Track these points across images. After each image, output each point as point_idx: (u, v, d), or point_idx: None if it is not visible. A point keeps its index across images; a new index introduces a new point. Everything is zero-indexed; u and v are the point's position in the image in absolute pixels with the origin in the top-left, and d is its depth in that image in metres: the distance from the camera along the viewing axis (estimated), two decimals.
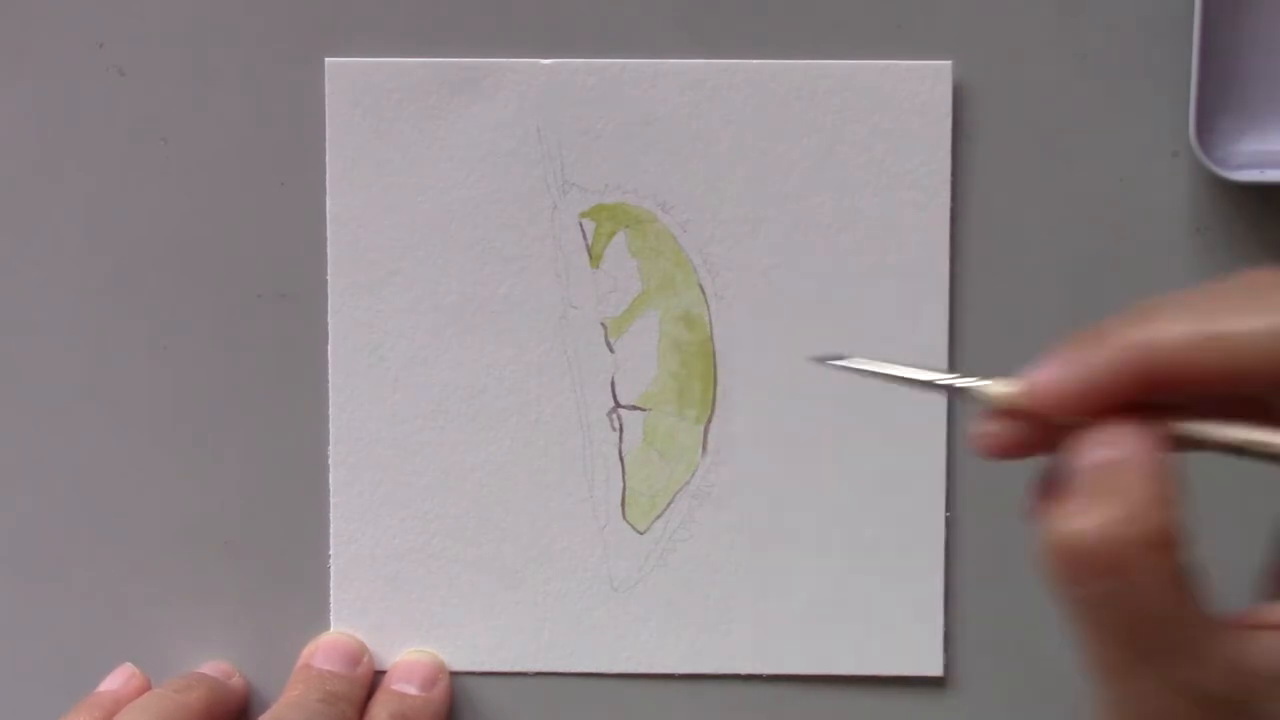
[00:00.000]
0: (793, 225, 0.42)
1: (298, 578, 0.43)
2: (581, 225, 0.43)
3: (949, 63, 0.42)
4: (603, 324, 0.43)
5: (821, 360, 0.35)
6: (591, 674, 0.43)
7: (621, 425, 0.43)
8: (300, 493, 0.43)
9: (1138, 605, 0.30)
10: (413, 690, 0.42)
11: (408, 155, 0.42)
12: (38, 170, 0.43)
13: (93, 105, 0.43)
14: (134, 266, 0.43)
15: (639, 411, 0.43)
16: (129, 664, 0.43)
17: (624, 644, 0.43)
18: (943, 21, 0.42)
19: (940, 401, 0.42)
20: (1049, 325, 0.42)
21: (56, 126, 0.43)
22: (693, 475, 0.43)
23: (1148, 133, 0.42)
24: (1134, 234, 0.42)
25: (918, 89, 0.42)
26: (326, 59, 0.42)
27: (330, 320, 0.43)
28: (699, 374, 0.43)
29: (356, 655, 0.43)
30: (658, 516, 0.43)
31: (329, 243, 0.43)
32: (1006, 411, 0.32)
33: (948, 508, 0.42)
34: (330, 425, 0.43)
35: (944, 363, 0.42)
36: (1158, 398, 0.31)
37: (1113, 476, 0.31)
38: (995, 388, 0.32)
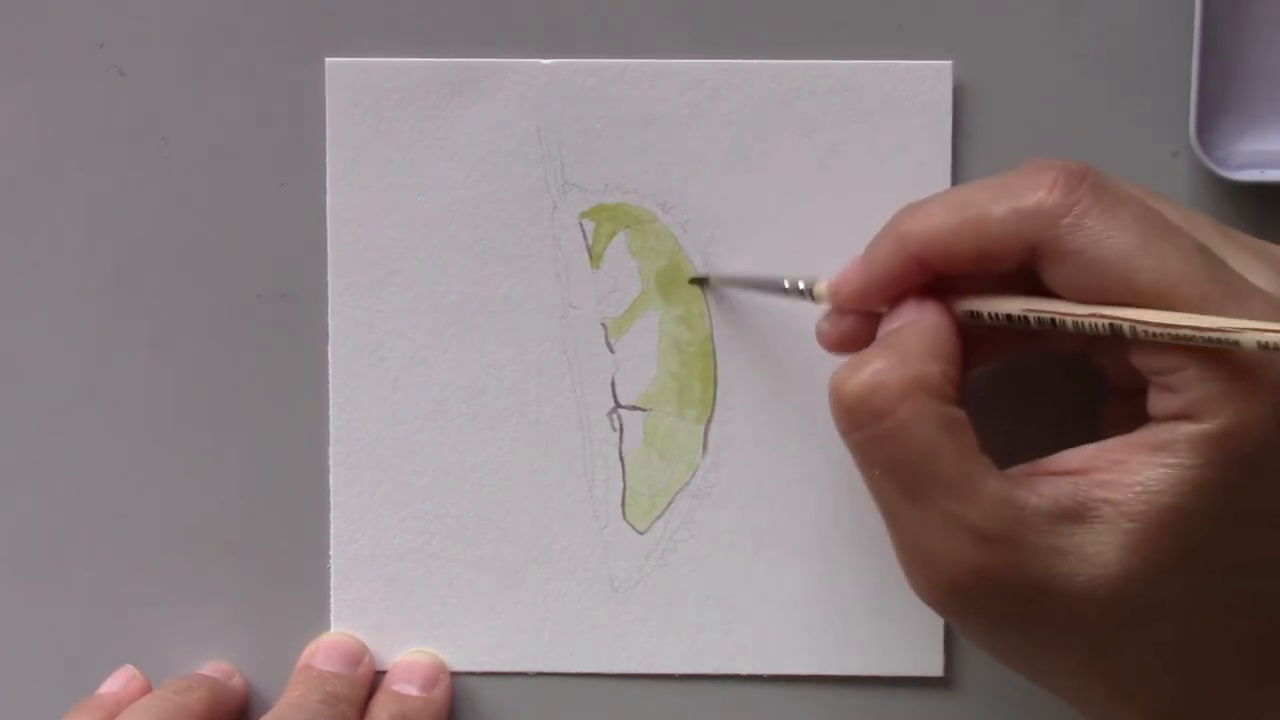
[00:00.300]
0: (793, 225, 0.42)
1: (298, 578, 0.43)
2: (581, 225, 0.43)
3: (949, 63, 0.42)
4: (603, 324, 0.43)
5: (693, 280, 0.42)
6: (591, 674, 0.43)
7: (621, 425, 0.43)
8: (300, 493, 0.43)
9: (904, 445, 0.33)
10: (413, 691, 0.42)
11: (408, 155, 0.42)
12: (38, 170, 0.43)
13: (93, 105, 0.43)
14: (134, 266, 0.43)
15: (639, 411, 0.43)
16: (129, 666, 0.43)
17: (624, 644, 0.43)
18: (943, 21, 0.42)
19: None
20: None
21: (56, 126, 0.43)
22: (693, 475, 0.43)
23: (1148, 133, 0.42)
24: None
25: (918, 89, 0.42)
26: (326, 59, 0.42)
27: (330, 320, 0.43)
28: (699, 374, 0.43)
29: (357, 656, 0.43)
30: (658, 517, 0.43)
31: (329, 243, 0.43)
32: (836, 309, 0.37)
33: None
34: (330, 425, 0.43)
35: None
36: (944, 281, 0.35)
37: (891, 338, 0.35)
38: (820, 285, 0.37)
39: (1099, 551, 0.32)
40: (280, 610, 0.44)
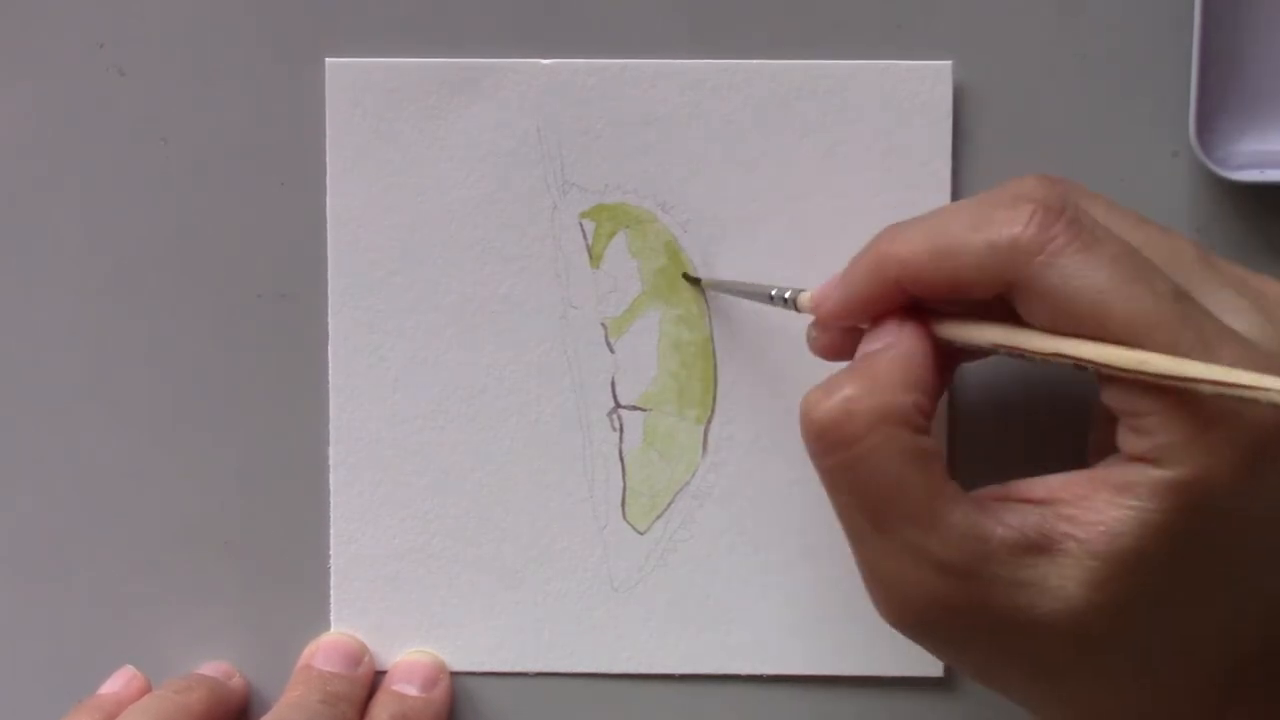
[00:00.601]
0: (793, 225, 0.42)
1: (298, 578, 0.43)
2: (581, 225, 0.43)
3: (949, 63, 0.42)
4: (603, 324, 0.43)
5: (686, 277, 0.42)
6: (591, 674, 0.43)
7: (621, 425, 0.43)
8: (300, 493, 0.43)
9: (870, 475, 0.33)
10: (413, 691, 0.42)
11: (408, 155, 0.42)
12: (38, 170, 0.43)
13: (93, 105, 0.43)
14: (134, 266, 0.43)
15: (639, 412, 0.43)
16: (130, 666, 0.43)
17: (624, 644, 0.43)
18: (943, 21, 0.42)
19: (939, 401, 0.42)
20: None
21: (56, 126, 0.43)
22: (693, 475, 0.43)
23: (1148, 133, 0.42)
24: None
25: (918, 89, 0.42)
26: (326, 59, 0.42)
27: (330, 320, 0.43)
28: (699, 374, 0.43)
29: (357, 656, 0.43)
30: (658, 517, 0.43)
31: (329, 243, 0.43)
32: (821, 320, 0.37)
33: None
34: (330, 425, 0.43)
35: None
36: (927, 303, 0.35)
37: (866, 363, 0.35)
38: (803, 297, 0.37)
39: (1061, 585, 0.32)
40: (280, 610, 0.44)
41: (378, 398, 0.43)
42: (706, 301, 0.43)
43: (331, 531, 0.43)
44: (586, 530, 0.43)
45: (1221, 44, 0.41)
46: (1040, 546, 0.32)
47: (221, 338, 0.43)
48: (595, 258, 0.43)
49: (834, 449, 0.34)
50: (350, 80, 0.42)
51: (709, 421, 0.43)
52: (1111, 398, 0.33)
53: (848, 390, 0.34)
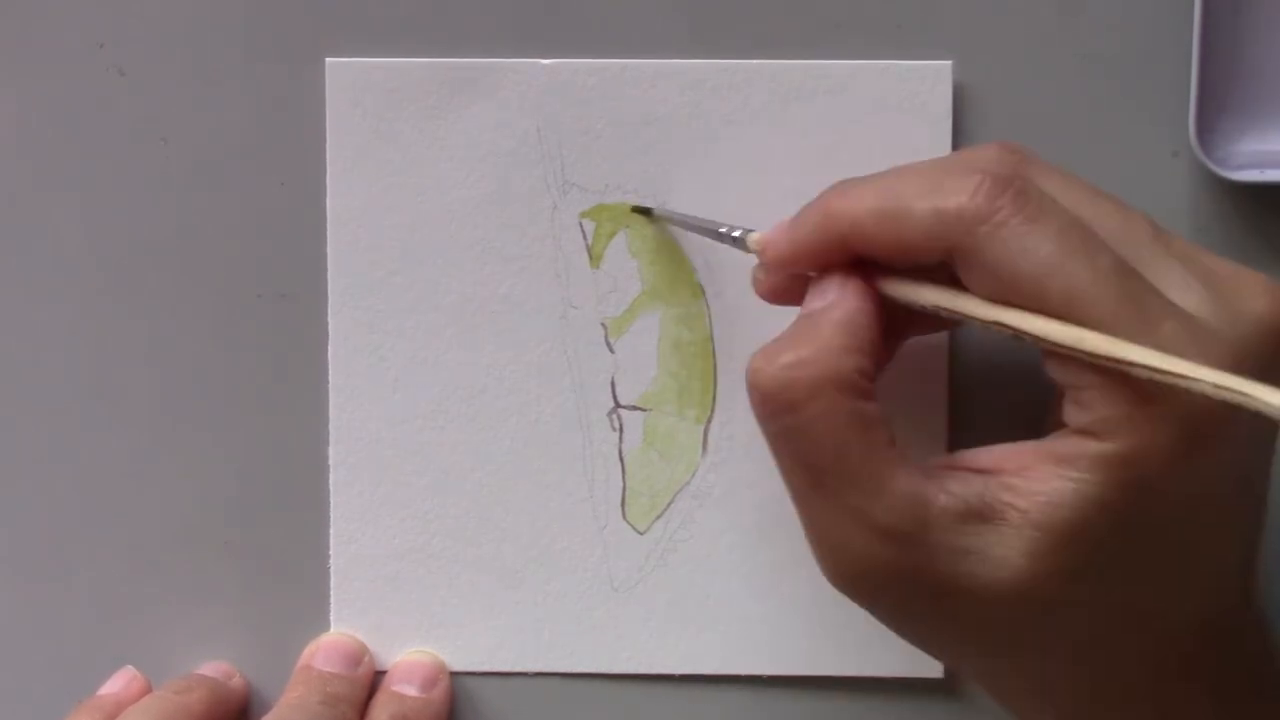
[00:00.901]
0: None
1: (298, 578, 0.43)
2: (581, 225, 0.43)
3: (949, 63, 0.42)
4: (603, 324, 0.43)
5: (636, 209, 0.42)
6: (591, 674, 0.43)
7: (621, 425, 0.43)
8: (300, 493, 0.43)
9: (813, 441, 0.33)
10: (413, 691, 0.42)
11: (408, 155, 0.42)
12: (37, 170, 0.43)
13: (93, 105, 0.43)
14: (134, 266, 0.43)
15: (639, 412, 0.43)
16: (130, 667, 0.43)
17: (624, 644, 0.43)
18: (943, 21, 0.42)
19: (940, 401, 0.42)
20: None
21: (56, 126, 0.43)
22: (693, 475, 0.43)
23: (1148, 133, 0.42)
24: None
25: (918, 89, 0.42)
26: (326, 59, 0.42)
27: (330, 320, 0.43)
28: (699, 374, 0.43)
29: (357, 656, 0.43)
30: (658, 517, 0.43)
31: (329, 243, 0.43)
32: (768, 264, 0.37)
33: None
34: (330, 425, 0.43)
35: (944, 363, 0.42)
36: (873, 261, 0.35)
37: (810, 324, 0.35)
38: (751, 238, 0.37)
39: (1004, 555, 0.32)
40: (280, 610, 0.44)
41: (378, 398, 0.43)
42: (707, 301, 0.43)
43: (331, 531, 0.43)
44: (586, 530, 0.43)
45: (1221, 44, 0.41)
46: (982, 515, 0.32)
47: (221, 338, 0.43)
48: (595, 258, 0.43)
49: (777, 415, 0.34)
50: (350, 80, 0.42)
51: (709, 421, 0.43)
52: (1054, 370, 0.33)
53: (789, 355, 0.34)
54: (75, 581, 0.44)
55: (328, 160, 0.42)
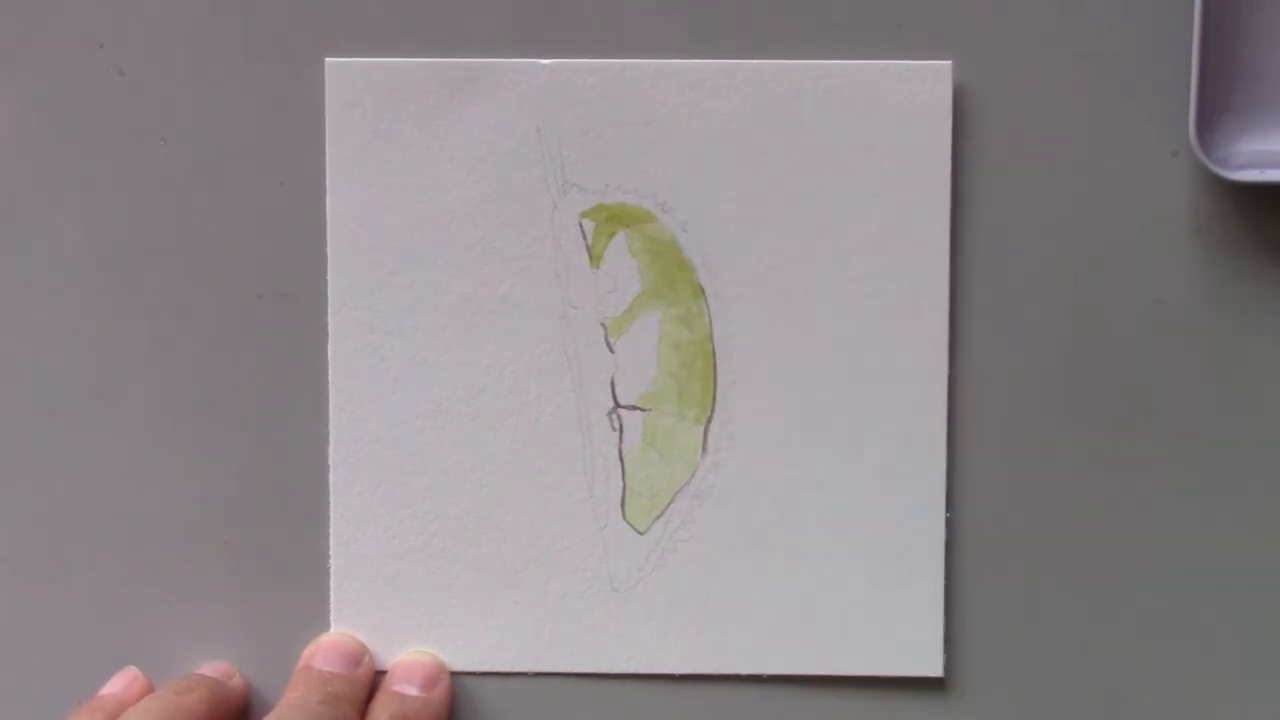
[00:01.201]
0: (793, 225, 0.42)
1: (298, 578, 0.43)
2: (581, 225, 0.43)
3: (949, 63, 0.42)
4: (603, 324, 0.43)
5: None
6: (591, 674, 0.43)
7: (621, 425, 0.43)
8: (300, 493, 0.43)
9: None
10: (413, 691, 0.42)
11: (408, 155, 0.42)
12: (37, 170, 0.43)
13: (93, 105, 0.43)
14: (134, 266, 0.43)
15: (639, 411, 0.43)
16: (132, 667, 0.43)
17: (624, 644, 0.43)
18: (943, 21, 0.42)
19: (940, 400, 0.42)
20: (1049, 325, 0.42)
21: (56, 126, 0.43)
22: (693, 475, 0.43)
23: (1148, 133, 0.42)
24: (1134, 234, 0.42)
25: (918, 89, 0.42)
26: (326, 59, 0.42)
27: (330, 320, 0.43)
28: (699, 374, 0.43)
29: (357, 656, 0.43)
30: (658, 517, 0.43)
31: (329, 243, 0.43)
32: None
33: (948, 508, 0.42)
34: (330, 425, 0.43)
35: (944, 363, 0.42)
36: None
37: None
38: None
39: None
40: (280, 610, 0.44)
41: (378, 398, 0.43)
42: (707, 301, 0.43)
43: (331, 531, 0.43)
44: (586, 530, 0.43)
45: (1221, 44, 0.41)
46: None
47: (221, 338, 0.43)
48: (595, 258, 0.43)
49: None
50: (350, 80, 0.42)
51: (709, 421, 0.43)
52: None
53: None
54: (75, 581, 0.44)
55: (327, 160, 0.42)
